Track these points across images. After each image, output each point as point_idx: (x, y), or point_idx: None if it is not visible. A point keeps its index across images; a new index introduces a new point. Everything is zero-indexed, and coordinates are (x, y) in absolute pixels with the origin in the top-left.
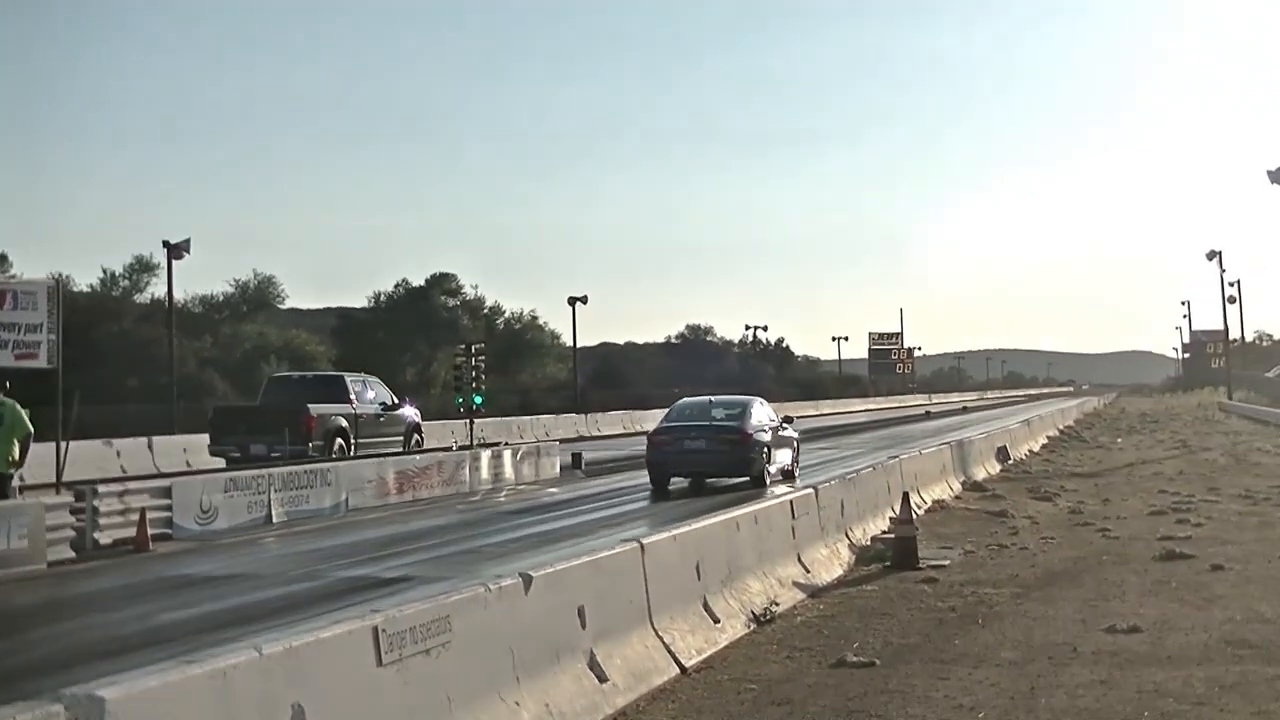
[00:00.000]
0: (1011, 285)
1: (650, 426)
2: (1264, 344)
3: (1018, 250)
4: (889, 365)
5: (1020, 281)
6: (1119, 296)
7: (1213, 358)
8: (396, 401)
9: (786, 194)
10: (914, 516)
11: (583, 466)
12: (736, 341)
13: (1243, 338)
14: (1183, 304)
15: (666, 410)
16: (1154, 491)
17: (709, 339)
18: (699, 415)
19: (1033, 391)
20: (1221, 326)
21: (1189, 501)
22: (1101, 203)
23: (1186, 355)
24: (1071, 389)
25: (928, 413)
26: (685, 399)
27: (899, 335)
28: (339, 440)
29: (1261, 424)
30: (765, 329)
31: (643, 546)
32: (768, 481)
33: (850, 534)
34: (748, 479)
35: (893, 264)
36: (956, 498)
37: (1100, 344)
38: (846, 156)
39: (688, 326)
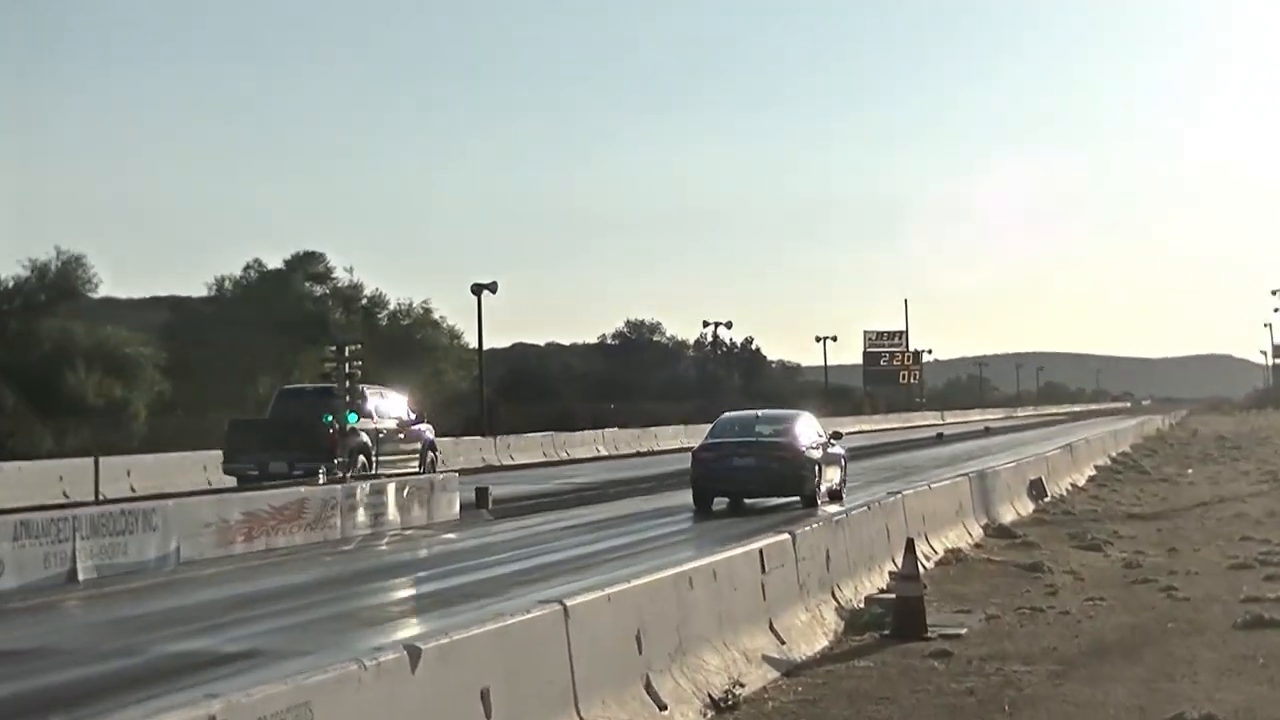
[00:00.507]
0: (1049, 272)
1: (580, 452)
2: None
3: (1057, 228)
4: (889, 373)
5: (1060, 268)
6: (1187, 285)
7: None
8: (414, 415)
9: (759, 158)
10: (920, 571)
11: (490, 505)
12: (691, 342)
13: None
14: (1274, 293)
15: (587, 437)
16: (1235, 539)
17: (655, 339)
18: (745, 430)
19: (1077, 408)
20: None
21: None
22: (1162, 167)
23: (1278, 361)
24: (1128, 404)
25: (940, 435)
26: (729, 413)
27: (902, 334)
28: (361, 458)
29: None
30: (729, 326)
31: (567, 610)
32: (819, 502)
33: (838, 593)
34: (798, 499)
35: (896, 246)
36: (977, 546)
37: (1165, 347)
38: (838, 114)
39: (628, 323)
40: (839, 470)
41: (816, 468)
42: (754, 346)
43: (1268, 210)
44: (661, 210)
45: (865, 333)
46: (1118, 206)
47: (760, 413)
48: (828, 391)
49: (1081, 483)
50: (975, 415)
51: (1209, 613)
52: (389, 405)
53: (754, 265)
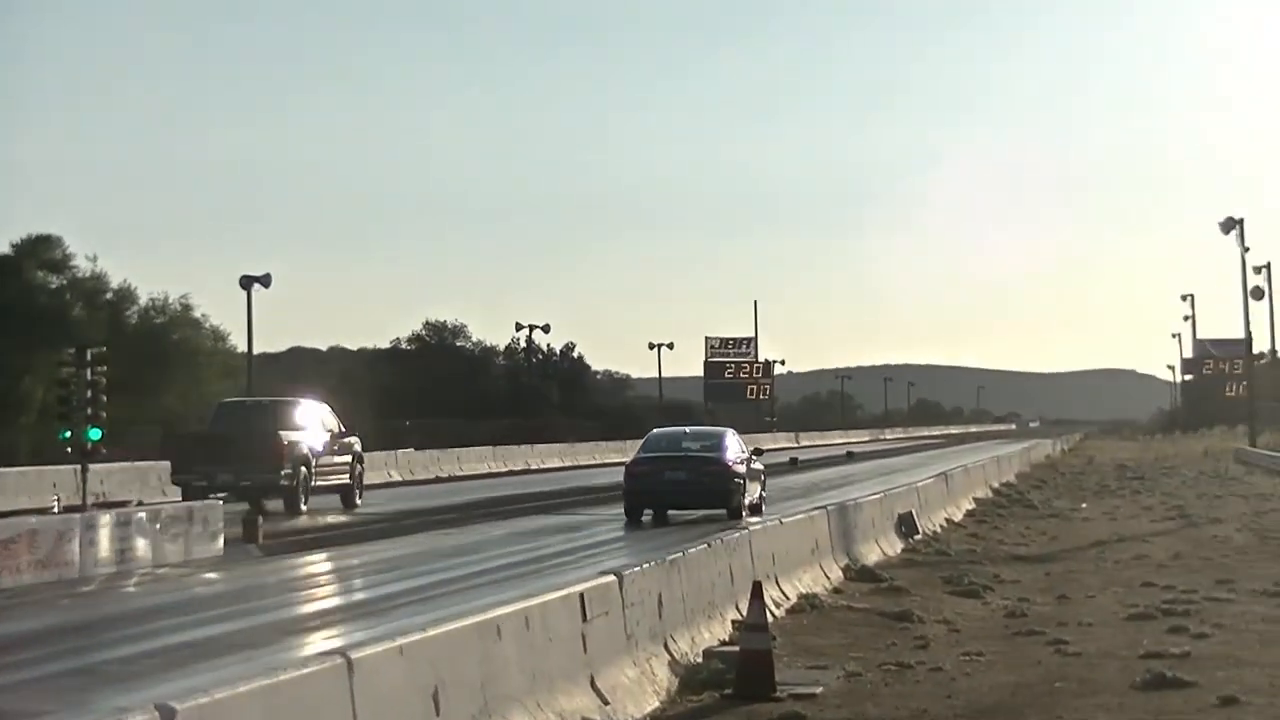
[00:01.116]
0: (924, 275)
1: (368, 477)
2: None
3: (934, 226)
4: (735, 387)
5: (937, 270)
6: (1085, 290)
7: (1227, 382)
8: (344, 429)
9: (584, 132)
10: (769, 619)
11: (259, 539)
12: (502, 348)
13: (1274, 349)
14: (1184, 299)
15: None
16: (1135, 585)
17: (459, 344)
18: (674, 446)
19: (954, 430)
20: (1241, 334)
21: (1188, 601)
22: (1055, 158)
23: (1188, 378)
24: (1014, 426)
25: (794, 460)
26: (657, 430)
27: (751, 342)
28: (303, 469)
29: None
30: (546, 330)
31: (350, 663)
32: (744, 515)
33: (672, 645)
34: (725, 511)
35: (749, 242)
36: (835, 591)
37: (1057, 361)
38: (676, 85)
39: (427, 325)
40: (759, 485)
41: (742, 482)
42: (576, 354)
43: (1174, 209)
44: (468, 193)
45: (707, 339)
46: (1002, 201)
47: (688, 429)
48: (662, 408)
49: (958, 518)
50: (836, 437)
51: (1104, 670)
52: (323, 418)
53: (578, 259)
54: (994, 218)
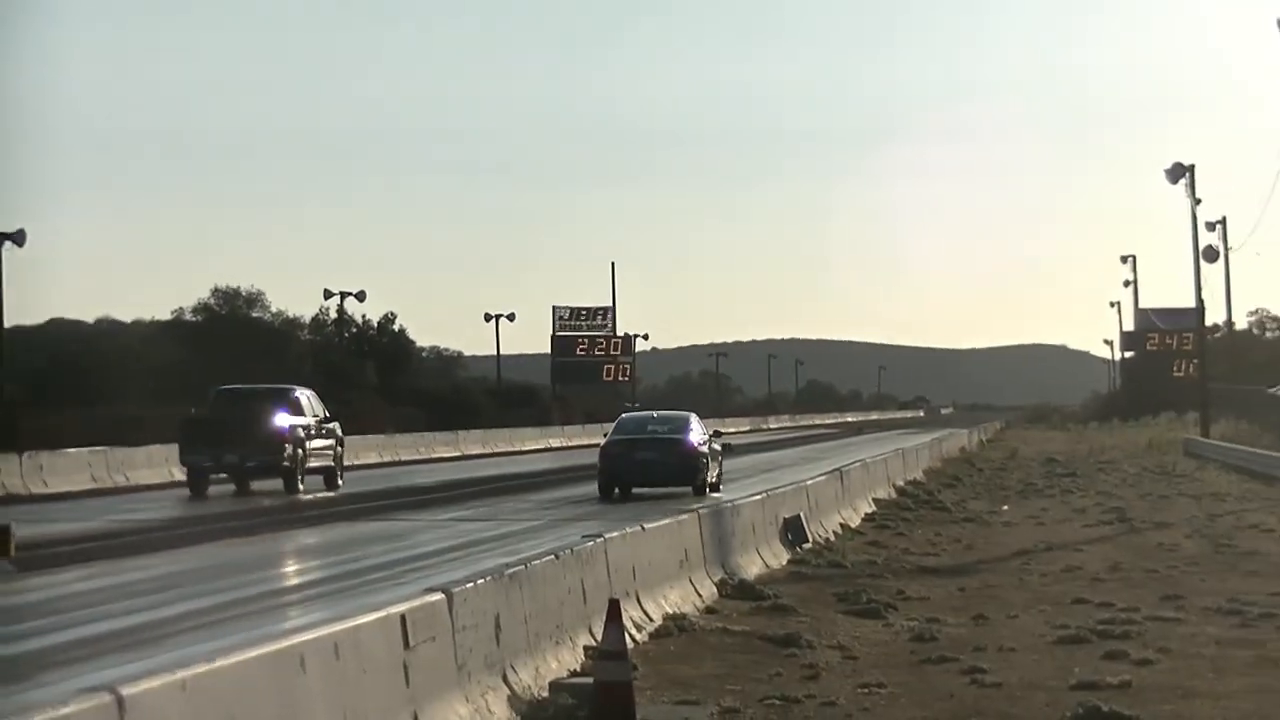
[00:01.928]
0: (815, 236)
1: (146, 476)
2: (1269, 333)
3: (827, 178)
4: (589, 367)
5: (831, 229)
6: (1006, 254)
7: (1175, 359)
8: (328, 415)
9: (408, 48)
10: (629, 645)
11: (11, 552)
12: (308, 320)
13: (1230, 322)
14: (1124, 261)
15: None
16: (1065, 602)
17: (256, 315)
18: (642, 429)
19: (850, 417)
20: (1191, 302)
21: (1129, 621)
22: (964, 93)
23: (1128, 355)
24: (922, 413)
25: None
26: (626, 414)
27: (608, 312)
28: (299, 451)
29: (1262, 479)
30: (361, 298)
31: (122, 701)
32: (708, 491)
33: (512, 676)
34: (690, 488)
35: (607, 194)
36: (709, 611)
37: (974, 335)
38: (530, 11)
39: (216, 292)
40: (718, 466)
41: (706, 461)
42: (397, 327)
43: (1112, 158)
44: (262, 132)
45: (555, 310)
46: (906, 144)
47: (655, 414)
48: (499, 391)
49: (856, 522)
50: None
51: (1029, 705)
52: (312, 404)
53: (399, 212)
54: (897, 166)
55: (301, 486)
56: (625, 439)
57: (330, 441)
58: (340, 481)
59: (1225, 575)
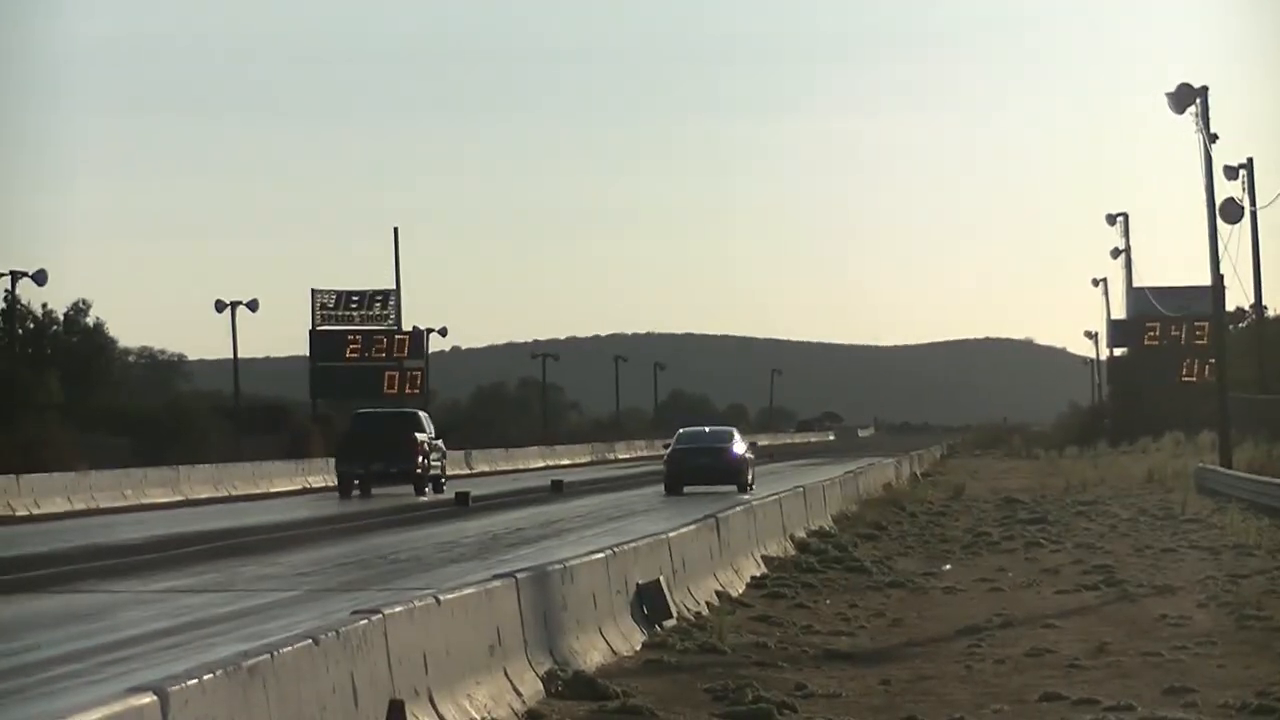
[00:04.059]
0: (674, 193)
1: None
2: None
3: (707, 100)
4: (364, 375)
5: (699, 181)
6: (950, 210)
7: (1182, 359)
8: (435, 433)
9: None
10: None
11: None
12: None
13: (1260, 306)
14: (1112, 222)
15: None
16: (1031, 699)
17: None
18: (699, 440)
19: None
20: (1204, 280)
21: None
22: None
23: (1119, 352)
24: (830, 434)
25: (464, 496)
26: (685, 428)
27: (390, 297)
28: (427, 462)
29: None
30: (40, 280)
31: None
32: (748, 490)
33: None
34: (735, 487)
35: (378, 126)
36: (530, 715)
37: (907, 327)
38: None
39: None
40: (752, 470)
41: (746, 467)
42: (91, 321)
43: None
44: None
45: (315, 294)
46: (820, 67)
47: (707, 429)
48: (239, 408)
49: (739, 590)
50: (535, 458)
51: None
52: (427, 422)
53: (93, 159)
54: (789, 92)
55: (428, 490)
56: (685, 449)
57: (438, 455)
58: (444, 488)
59: (1251, 659)
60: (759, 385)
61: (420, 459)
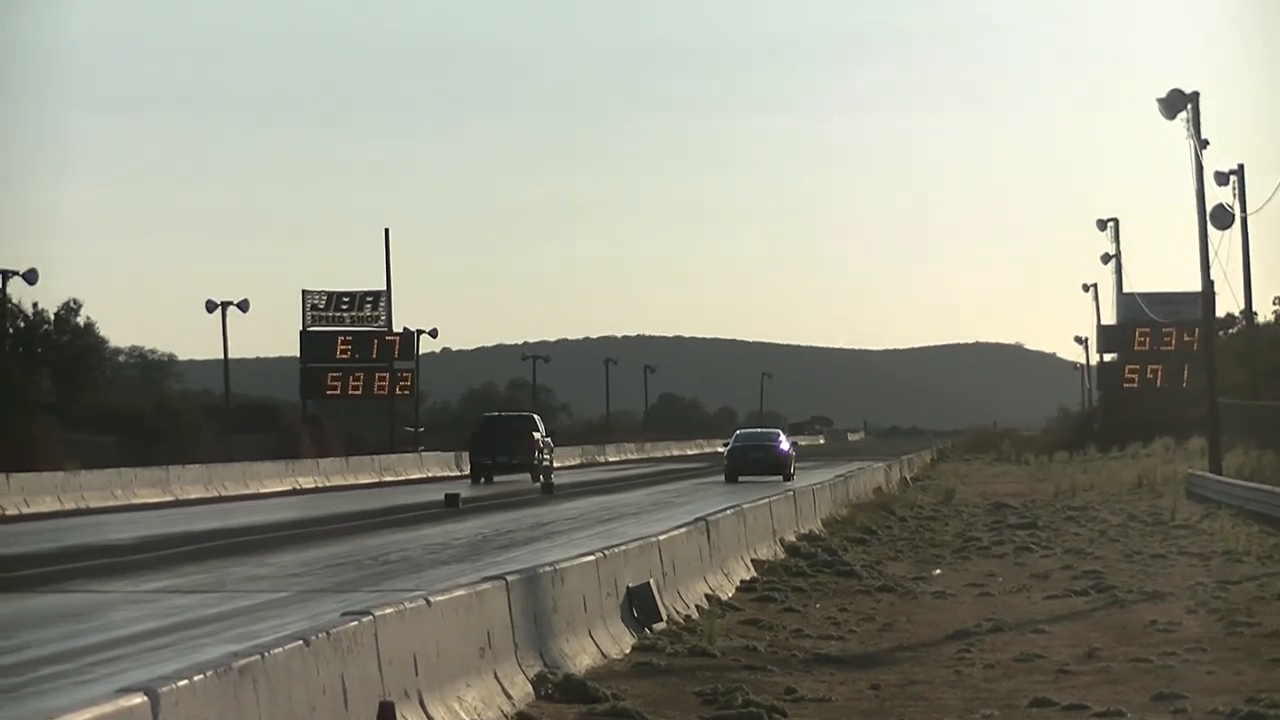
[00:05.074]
0: (681, 200)
1: None
2: None
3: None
4: (355, 376)
5: (702, 194)
6: (941, 217)
7: (1172, 364)
8: (546, 432)
9: None
10: None
11: None
12: None
13: (1249, 312)
14: (1103, 227)
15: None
16: (1020, 704)
17: None
18: (753, 439)
19: (721, 446)
20: (1188, 286)
21: None
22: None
23: (1109, 358)
24: (822, 438)
25: (454, 498)
26: (742, 430)
27: (380, 299)
28: (543, 456)
29: None
30: (31, 280)
31: None
32: (793, 480)
33: None
34: (781, 476)
35: (373, 132)
36: (520, 718)
37: (897, 331)
38: None
39: None
40: (794, 464)
41: (791, 460)
42: (82, 320)
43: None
44: None
45: (306, 295)
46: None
47: (759, 430)
48: (229, 408)
49: (729, 593)
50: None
51: None
52: (540, 422)
53: (87, 159)
54: (790, 93)
55: (542, 478)
56: (742, 445)
57: (549, 451)
58: (554, 481)
59: (1241, 666)
60: (749, 388)
61: (536, 454)
